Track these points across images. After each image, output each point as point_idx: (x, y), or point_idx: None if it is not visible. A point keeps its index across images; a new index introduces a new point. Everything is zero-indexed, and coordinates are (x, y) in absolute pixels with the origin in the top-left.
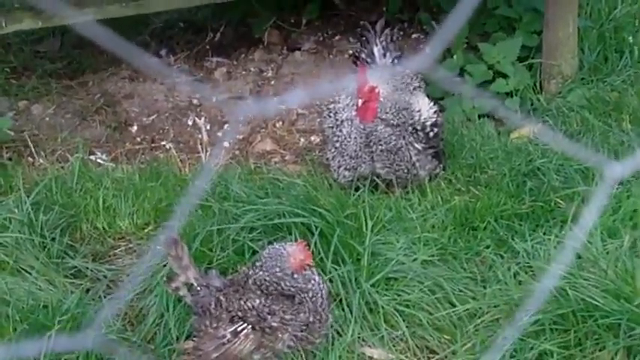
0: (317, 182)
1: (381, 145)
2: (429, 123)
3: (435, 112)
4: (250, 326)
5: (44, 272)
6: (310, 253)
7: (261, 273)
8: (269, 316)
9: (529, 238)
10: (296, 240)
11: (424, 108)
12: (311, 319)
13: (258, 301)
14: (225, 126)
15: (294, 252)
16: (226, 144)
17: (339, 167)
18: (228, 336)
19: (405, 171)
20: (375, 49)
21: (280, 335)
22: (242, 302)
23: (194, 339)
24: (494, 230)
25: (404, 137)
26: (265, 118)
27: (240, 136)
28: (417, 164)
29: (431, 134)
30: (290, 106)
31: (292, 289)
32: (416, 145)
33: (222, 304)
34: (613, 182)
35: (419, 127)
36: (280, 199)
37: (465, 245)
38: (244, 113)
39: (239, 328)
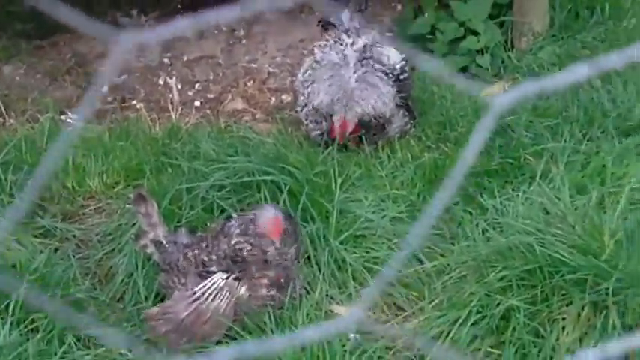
0: (287, 141)
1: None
2: (398, 66)
3: (403, 59)
4: (221, 279)
5: (13, 232)
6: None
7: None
8: (241, 251)
9: (498, 194)
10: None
11: (392, 54)
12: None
13: (226, 245)
14: (197, 85)
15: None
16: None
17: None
18: (198, 293)
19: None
20: (343, 15)
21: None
22: (211, 255)
23: (159, 305)
24: (463, 187)
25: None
26: None
27: (211, 95)
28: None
29: (401, 77)
30: None
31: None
32: (389, 89)
33: (190, 260)
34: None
35: (389, 70)
36: (249, 157)
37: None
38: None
39: (208, 283)
